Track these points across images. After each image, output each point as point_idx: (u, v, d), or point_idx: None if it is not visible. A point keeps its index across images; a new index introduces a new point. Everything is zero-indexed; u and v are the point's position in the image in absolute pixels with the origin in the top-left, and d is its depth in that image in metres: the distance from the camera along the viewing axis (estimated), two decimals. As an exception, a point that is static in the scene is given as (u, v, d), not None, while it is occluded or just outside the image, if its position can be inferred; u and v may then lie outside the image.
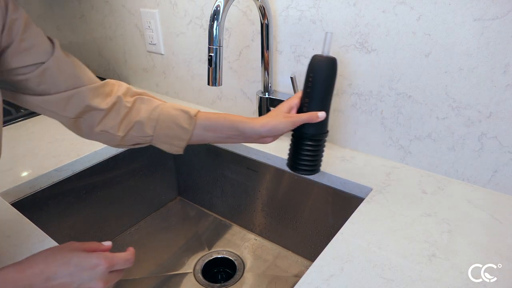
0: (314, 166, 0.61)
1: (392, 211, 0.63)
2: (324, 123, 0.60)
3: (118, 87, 0.58)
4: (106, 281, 0.46)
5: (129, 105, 0.57)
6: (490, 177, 0.66)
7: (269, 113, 0.59)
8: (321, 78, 0.57)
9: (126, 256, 0.51)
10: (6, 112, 1.02)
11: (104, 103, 0.55)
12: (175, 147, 0.59)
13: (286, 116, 0.58)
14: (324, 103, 0.59)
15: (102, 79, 1.33)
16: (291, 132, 0.61)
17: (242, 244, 0.91)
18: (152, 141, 0.59)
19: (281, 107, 0.59)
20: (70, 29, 1.35)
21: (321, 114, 0.57)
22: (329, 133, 0.82)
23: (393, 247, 0.55)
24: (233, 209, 0.96)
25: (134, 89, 0.60)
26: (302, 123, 0.58)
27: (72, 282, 0.43)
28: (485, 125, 0.64)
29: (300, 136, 0.60)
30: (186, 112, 0.59)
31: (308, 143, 0.60)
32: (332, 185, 0.74)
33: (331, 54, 0.58)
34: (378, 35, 0.68)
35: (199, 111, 0.60)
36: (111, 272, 0.47)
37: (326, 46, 0.57)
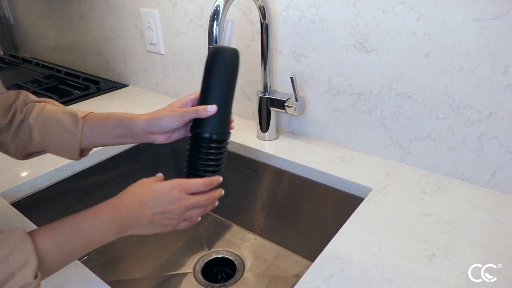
0: (209, 173, 0.52)
1: (392, 211, 0.63)
2: (220, 123, 0.52)
3: (17, 96, 0.56)
4: (184, 213, 0.48)
5: (22, 115, 0.55)
6: (490, 177, 0.66)
7: (160, 109, 0.56)
8: (218, 71, 0.51)
9: (201, 180, 0.50)
10: (6, 112, 1.02)
11: (4, 118, 0.54)
12: (70, 153, 0.56)
13: (173, 110, 0.53)
14: (220, 99, 0.51)
15: (102, 79, 1.33)
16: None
17: (242, 244, 0.91)
18: (45, 148, 0.56)
19: (175, 102, 0.55)
20: (69, 29, 1.35)
21: (211, 108, 0.50)
22: (329, 133, 0.82)
23: (393, 247, 0.55)
24: (233, 209, 0.96)
25: (33, 96, 0.58)
26: (190, 118, 0.52)
27: (159, 205, 0.47)
28: (485, 125, 0.64)
29: (195, 137, 0.52)
30: (73, 115, 0.56)
31: (203, 145, 0.51)
32: (332, 185, 0.74)
33: (233, 46, 0.53)
34: (378, 35, 0.68)
35: (91, 112, 0.58)
36: (193, 209, 0.49)
37: (226, 36, 0.53)
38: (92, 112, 0.58)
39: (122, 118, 0.55)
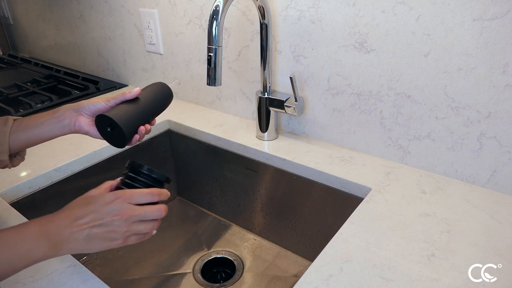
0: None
1: (391, 211, 0.63)
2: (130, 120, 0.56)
3: None
4: (129, 225, 0.46)
5: None
6: (489, 177, 0.67)
7: None
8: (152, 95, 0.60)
9: (146, 190, 0.48)
10: (5, 112, 1.02)
11: None
12: None
13: (102, 96, 0.58)
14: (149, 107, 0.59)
15: (101, 79, 1.33)
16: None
17: (242, 244, 0.91)
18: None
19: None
20: (69, 29, 1.35)
21: (134, 90, 0.57)
22: (328, 133, 0.83)
23: (392, 247, 0.55)
24: (233, 209, 0.96)
25: None
26: (115, 101, 0.57)
27: (98, 218, 0.44)
28: (484, 125, 0.64)
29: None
30: (4, 118, 0.56)
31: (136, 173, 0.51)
32: (331, 185, 0.74)
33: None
34: (377, 35, 0.68)
35: (20, 118, 0.58)
36: (140, 222, 0.47)
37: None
38: (20, 118, 0.58)
39: (53, 110, 0.57)
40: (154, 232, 0.50)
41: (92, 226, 0.44)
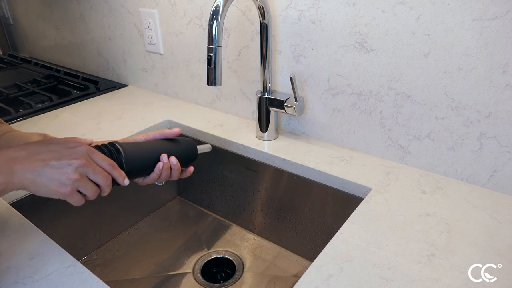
0: None
1: (391, 211, 0.63)
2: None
3: None
4: (81, 175, 0.45)
5: None
6: (489, 177, 0.67)
7: None
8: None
9: (107, 158, 0.49)
10: (5, 112, 1.02)
11: None
12: None
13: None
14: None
15: (101, 79, 1.33)
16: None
17: (242, 244, 0.91)
18: None
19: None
20: (69, 29, 1.35)
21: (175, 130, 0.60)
22: (328, 133, 0.83)
23: (392, 247, 0.55)
24: (233, 209, 0.96)
25: None
26: (158, 137, 0.59)
27: (56, 156, 0.44)
28: (484, 125, 0.64)
29: None
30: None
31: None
32: (331, 185, 0.74)
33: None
34: (377, 35, 0.68)
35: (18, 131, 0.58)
36: (89, 181, 0.47)
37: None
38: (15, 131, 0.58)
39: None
40: (93, 197, 0.48)
41: (46, 163, 0.44)
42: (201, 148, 0.64)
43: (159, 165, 0.54)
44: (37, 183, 0.44)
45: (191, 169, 0.62)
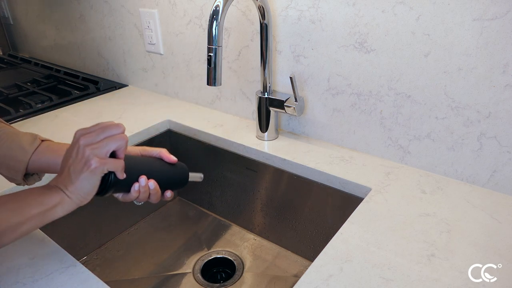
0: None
1: (391, 211, 0.63)
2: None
3: None
4: (92, 145, 0.47)
5: None
6: (489, 177, 0.67)
7: None
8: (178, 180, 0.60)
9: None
10: (5, 112, 1.02)
11: None
12: (12, 171, 0.55)
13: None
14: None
15: (101, 79, 1.33)
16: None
17: (242, 244, 0.91)
18: None
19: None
20: (69, 29, 1.35)
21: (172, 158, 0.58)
22: (328, 133, 0.83)
23: (392, 247, 0.55)
24: (233, 209, 0.96)
25: None
26: (153, 155, 0.59)
27: (67, 159, 0.48)
28: (484, 125, 0.64)
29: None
30: (33, 135, 0.56)
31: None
32: (331, 185, 0.74)
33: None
34: (377, 35, 0.68)
35: (51, 140, 0.58)
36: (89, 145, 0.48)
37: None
38: (52, 141, 0.58)
39: None
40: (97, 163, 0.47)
41: (69, 168, 0.47)
42: (193, 176, 0.63)
43: (135, 186, 0.53)
44: (78, 184, 0.47)
45: (168, 194, 0.59)
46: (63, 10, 1.33)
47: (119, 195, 0.56)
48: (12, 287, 0.50)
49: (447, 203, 0.64)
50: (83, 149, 0.46)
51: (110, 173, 0.49)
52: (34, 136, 0.57)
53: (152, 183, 0.54)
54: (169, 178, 0.59)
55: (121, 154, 0.50)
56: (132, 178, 0.53)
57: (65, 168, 0.48)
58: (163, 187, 0.57)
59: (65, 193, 0.47)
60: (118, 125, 0.49)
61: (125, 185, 0.53)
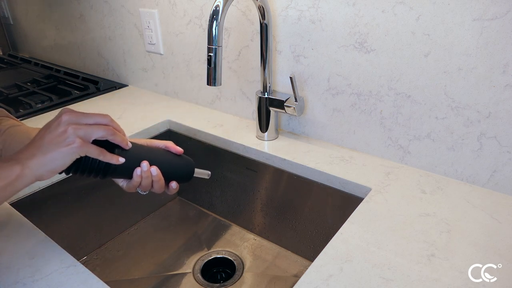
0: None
1: (391, 211, 0.63)
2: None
3: None
4: (76, 124, 0.47)
5: None
6: (489, 177, 0.67)
7: None
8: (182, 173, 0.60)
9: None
10: (5, 112, 1.02)
11: None
12: None
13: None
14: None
15: (101, 79, 1.33)
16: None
17: (242, 244, 0.91)
18: (1, 154, 0.56)
19: None
20: (69, 29, 1.35)
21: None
22: (328, 133, 0.83)
23: (392, 247, 0.55)
24: (233, 209, 0.96)
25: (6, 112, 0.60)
26: (159, 146, 0.59)
27: (44, 131, 0.47)
28: (484, 125, 0.64)
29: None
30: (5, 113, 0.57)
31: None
32: (331, 185, 0.74)
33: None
34: (377, 35, 0.68)
35: None
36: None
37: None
38: None
39: None
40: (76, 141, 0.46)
41: (42, 140, 0.46)
42: (199, 172, 0.63)
43: (137, 170, 0.53)
44: (47, 157, 0.45)
45: (173, 185, 0.59)
46: (63, 10, 1.33)
47: (123, 184, 0.56)
48: (12, 287, 0.50)
49: (447, 203, 0.64)
50: (67, 126, 0.46)
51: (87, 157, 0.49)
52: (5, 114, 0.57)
53: (155, 169, 0.54)
54: (173, 168, 0.59)
55: (117, 141, 0.50)
56: (134, 163, 0.53)
57: (38, 138, 0.46)
58: (167, 177, 0.57)
59: (25, 165, 0.45)
60: (104, 116, 0.50)
61: (126, 170, 0.53)
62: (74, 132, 0.46)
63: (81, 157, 0.48)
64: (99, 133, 0.48)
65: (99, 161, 0.49)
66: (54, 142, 0.45)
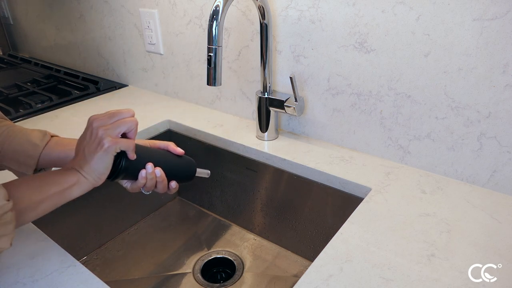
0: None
1: (391, 211, 0.63)
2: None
3: None
4: (105, 127, 0.50)
5: None
6: (489, 177, 0.67)
7: None
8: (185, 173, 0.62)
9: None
10: (5, 112, 1.01)
11: None
12: (23, 166, 0.56)
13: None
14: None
15: (101, 79, 1.33)
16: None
17: (242, 244, 0.91)
18: None
19: None
20: (69, 29, 1.35)
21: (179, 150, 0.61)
22: (328, 133, 0.83)
23: (392, 247, 0.55)
24: (233, 209, 0.96)
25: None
26: (160, 147, 0.61)
27: (82, 141, 0.51)
28: (484, 125, 0.64)
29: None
30: (42, 131, 0.59)
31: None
32: (331, 185, 0.74)
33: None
34: (377, 35, 0.68)
35: (58, 136, 0.61)
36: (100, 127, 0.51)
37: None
38: (60, 136, 0.61)
39: None
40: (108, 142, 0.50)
41: (84, 150, 0.50)
42: (200, 172, 0.65)
43: (142, 172, 0.55)
44: (93, 164, 0.49)
45: (173, 185, 0.60)
46: (63, 10, 1.33)
47: (127, 185, 0.58)
48: (12, 287, 0.50)
49: (447, 203, 0.64)
50: (96, 131, 0.49)
51: (121, 157, 0.52)
52: (44, 132, 0.59)
53: (159, 171, 0.56)
54: (175, 169, 0.60)
55: (132, 136, 0.53)
56: (139, 165, 0.55)
57: (80, 150, 0.50)
58: (170, 177, 0.59)
59: (81, 173, 0.49)
60: (129, 110, 0.54)
61: (133, 172, 0.55)
62: (104, 133, 0.49)
63: (118, 158, 0.51)
64: (125, 127, 0.52)
65: (120, 161, 0.52)
66: (92, 149, 0.49)
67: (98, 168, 0.49)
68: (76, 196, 0.50)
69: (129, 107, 0.57)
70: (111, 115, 0.52)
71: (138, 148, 0.55)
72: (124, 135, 0.52)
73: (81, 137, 0.52)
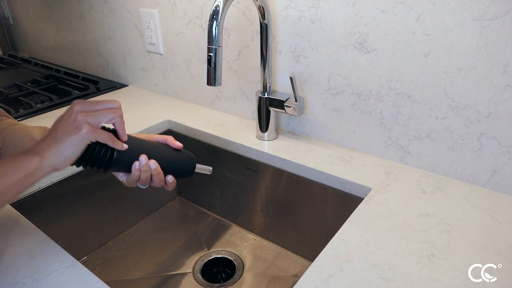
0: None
1: (391, 211, 0.63)
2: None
3: None
4: (86, 113, 0.48)
5: None
6: (489, 177, 0.67)
7: None
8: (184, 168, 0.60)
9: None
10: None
11: None
12: None
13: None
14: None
15: (101, 79, 1.33)
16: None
17: (242, 244, 0.91)
18: (1, 153, 0.57)
19: None
20: (69, 29, 1.35)
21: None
22: (328, 133, 0.83)
23: (392, 247, 0.55)
24: (233, 209, 0.96)
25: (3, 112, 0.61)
26: (159, 141, 0.60)
27: (58, 123, 0.48)
28: (484, 125, 0.64)
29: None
30: (42, 127, 0.58)
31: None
32: (331, 185, 0.74)
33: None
34: (377, 35, 0.68)
35: None
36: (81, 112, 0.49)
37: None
38: None
39: None
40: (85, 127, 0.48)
41: (56, 131, 0.48)
42: (201, 168, 0.63)
43: (135, 164, 0.54)
44: (61, 147, 0.47)
45: (170, 179, 0.58)
46: (63, 10, 1.33)
47: (123, 178, 0.57)
48: (12, 287, 0.50)
49: (447, 203, 0.64)
50: (76, 115, 0.47)
51: (95, 145, 0.50)
52: (44, 128, 0.58)
53: (153, 163, 0.55)
54: (172, 163, 0.59)
55: (118, 127, 0.51)
56: (133, 157, 0.53)
57: (53, 130, 0.48)
58: (167, 172, 0.58)
59: (43, 156, 0.46)
60: (114, 101, 0.51)
61: (126, 163, 0.53)
62: (83, 119, 0.47)
63: (89, 146, 0.49)
64: (107, 117, 0.49)
65: (104, 152, 0.50)
66: (66, 131, 0.47)
67: (65, 152, 0.47)
68: (39, 180, 0.47)
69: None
70: (95, 102, 0.50)
71: (131, 140, 0.53)
72: (114, 131, 0.51)
73: (59, 117, 0.49)
